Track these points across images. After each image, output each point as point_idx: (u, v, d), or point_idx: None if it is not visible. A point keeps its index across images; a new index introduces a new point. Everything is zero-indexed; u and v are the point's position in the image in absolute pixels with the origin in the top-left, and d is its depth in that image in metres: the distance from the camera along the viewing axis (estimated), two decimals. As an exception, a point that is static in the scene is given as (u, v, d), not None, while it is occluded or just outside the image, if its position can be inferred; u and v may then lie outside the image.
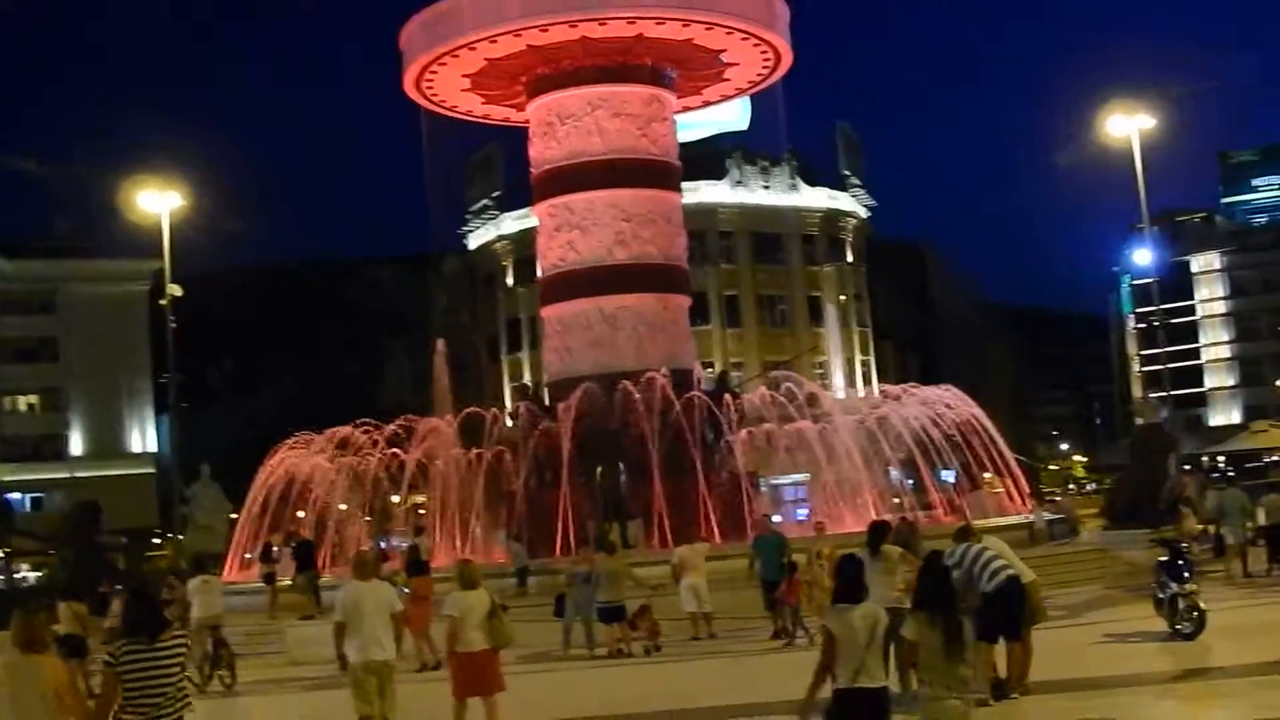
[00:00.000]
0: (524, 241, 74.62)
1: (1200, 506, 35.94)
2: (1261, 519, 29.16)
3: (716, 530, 36.74)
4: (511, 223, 78.67)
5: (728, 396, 42.03)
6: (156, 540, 62.29)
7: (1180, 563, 18.77)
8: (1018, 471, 43.49)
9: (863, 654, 8.96)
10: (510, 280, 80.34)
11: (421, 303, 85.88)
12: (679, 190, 46.12)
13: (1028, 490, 44.34)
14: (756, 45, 45.08)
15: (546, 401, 44.02)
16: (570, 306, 43.84)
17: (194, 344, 60.52)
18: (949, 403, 41.99)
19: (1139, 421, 65.36)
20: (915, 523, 25.23)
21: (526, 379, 70.13)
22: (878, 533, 14.70)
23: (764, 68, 47.23)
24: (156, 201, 43.88)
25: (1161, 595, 18.86)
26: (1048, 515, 39.47)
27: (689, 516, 36.81)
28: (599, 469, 39.56)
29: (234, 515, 44.30)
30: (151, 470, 67.07)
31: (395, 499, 44.03)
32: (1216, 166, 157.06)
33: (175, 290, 43.96)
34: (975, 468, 42.72)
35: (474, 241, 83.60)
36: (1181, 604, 18.34)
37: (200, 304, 54.77)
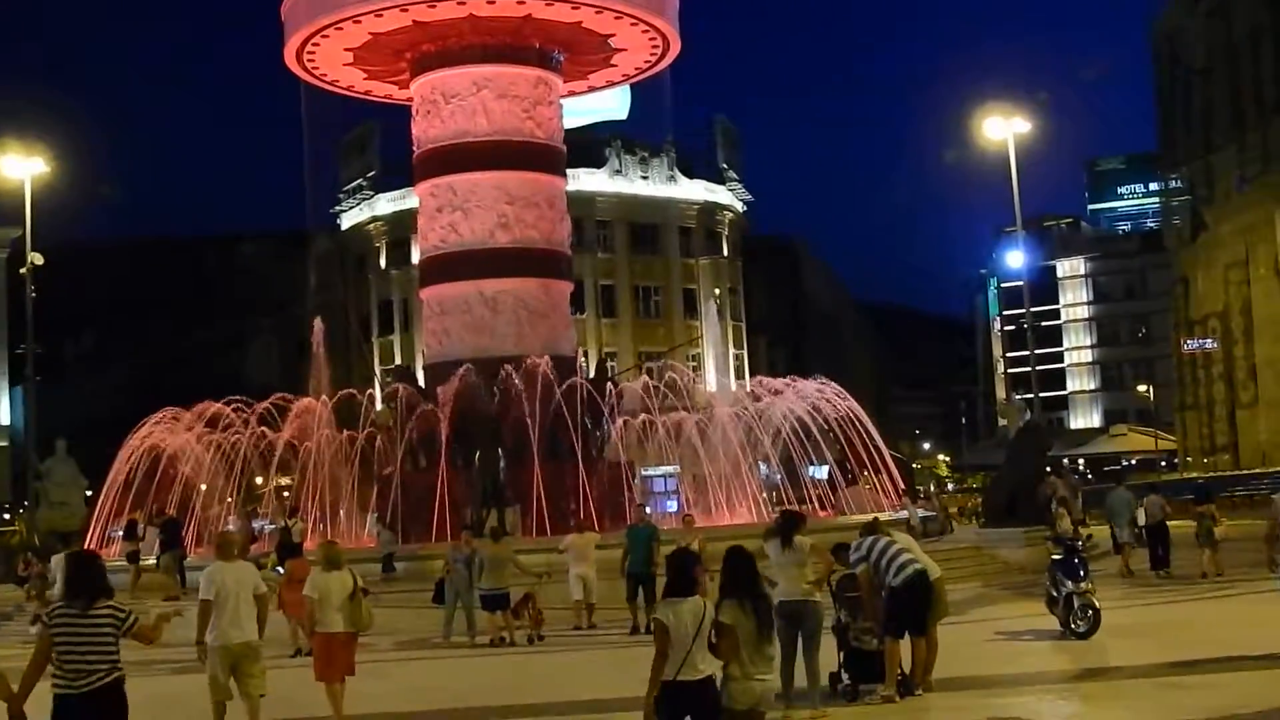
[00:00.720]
0: (398, 223, 73.71)
1: (1074, 506, 36.33)
2: (1142, 519, 29.60)
3: (595, 519, 36.33)
4: (386, 204, 77.54)
5: (609, 384, 41.70)
6: (7, 516, 60.36)
7: (1075, 561, 18.74)
8: (894, 468, 43.70)
9: (689, 646, 8.95)
10: (383, 262, 79.14)
11: (291, 281, 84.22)
12: (563, 175, 45.55)
13: (904, 487, 44.55)
14: (645, 31, 44.67)
15: (422, 384, 43.27)
16: (450, 289, 43.03)
17: (53, 315, 58.59)
18: (828, 397, 42.01)
19: (1003, 423, 66.13)
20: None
21: (398, 361, 69.13)
22: (790, 523, 14.29)
23: (651, 55, 46.83)
24: (19, 166, 42.43)
25: (1056, 593, 18.79)
26: (921, 512, 39.71)
27: (568, 504, 36.51)
28: (477, 454, 38.94)
29: (90, 491, 42.97)
30: (4, 444, 64.77)
31: (259, 480, 43.00)
32: (1084, 174, 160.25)
33: (36, 259, 42.42)
34: (853, 463, 42.78)
35: (347, 221, 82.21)
36: (1077, 602, 18.29)
37: (62, 274, 52.92)
